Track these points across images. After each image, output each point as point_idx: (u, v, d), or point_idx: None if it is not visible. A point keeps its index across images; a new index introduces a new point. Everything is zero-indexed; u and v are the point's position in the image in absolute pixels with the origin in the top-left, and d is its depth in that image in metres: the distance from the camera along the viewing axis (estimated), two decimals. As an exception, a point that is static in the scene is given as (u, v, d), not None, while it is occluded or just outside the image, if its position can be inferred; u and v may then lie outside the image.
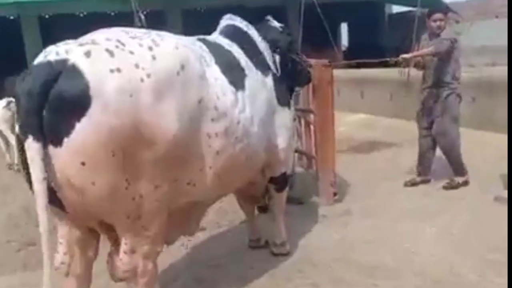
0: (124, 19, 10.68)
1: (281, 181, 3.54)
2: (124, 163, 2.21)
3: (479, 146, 5.77)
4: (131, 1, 8.16)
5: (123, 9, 10.55)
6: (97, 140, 2.11)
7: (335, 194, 4.77)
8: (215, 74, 2.70)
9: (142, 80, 2.22)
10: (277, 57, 3.48)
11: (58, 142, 2.09)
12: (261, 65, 3.25)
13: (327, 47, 12.02)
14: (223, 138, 2.66)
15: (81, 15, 15.72)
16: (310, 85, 4.62)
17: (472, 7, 13.35)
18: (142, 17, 7.60)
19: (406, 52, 5.09)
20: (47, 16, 15.06)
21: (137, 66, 2.24)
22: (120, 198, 2.26)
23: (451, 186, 4.85)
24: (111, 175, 2.19)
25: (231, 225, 4.39)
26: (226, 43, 3.10)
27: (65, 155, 2.10)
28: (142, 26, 9.10)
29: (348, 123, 8.76)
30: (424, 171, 5.10)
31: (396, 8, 18.42)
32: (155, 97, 2.25)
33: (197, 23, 14.53)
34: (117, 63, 2.19)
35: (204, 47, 2.81)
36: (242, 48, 3.17)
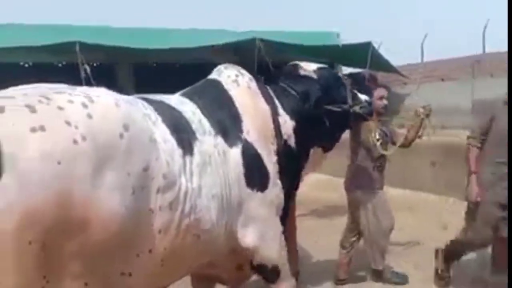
0: (71, 71, 10.28)
1: (265, 272, 2.97)
2: (43, 256, 1.67)
3: (450, 215, 5.55)
4: (77, 53, 7.79)
5: (70, 61, 10.15)
6: (8, 224, 1.60)
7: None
8: (163, 135, 2.22)
9: (75, 142, 1.76)
10: (291, 124, 2.98)
11: None
12: (229, 132, 2.67)
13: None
14: (167, 212, 2.17)
15: (26, 65, 15.09)
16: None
17: (418, 70, 13.81)
18: (88, 69, 7.23)
19: None
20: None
21: (68, 123, 1.77)
22: None
23: None
24: (24, 272, 1.65)
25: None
26: (177, 101, 2.61)
27: None
28: (88, 79, 8.81)
29: (306, 184, 8.51)
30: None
31: (346, 69, 18.87)
32: (92, 167, 1.78)
33: (149, 78, 14.25)
34: (40, 120, 1.72)
35: (146, 104, 2.34)
36: (204, 108, 2.64)
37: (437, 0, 37.89)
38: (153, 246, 2.12)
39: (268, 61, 10.91)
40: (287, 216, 3.27)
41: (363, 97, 3.68)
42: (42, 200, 1.66)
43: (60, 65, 14.85)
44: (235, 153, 2.65)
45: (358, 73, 17.09)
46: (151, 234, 2.10)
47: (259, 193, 2.75)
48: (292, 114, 3.10)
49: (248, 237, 2.74)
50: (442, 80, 12.89)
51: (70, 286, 1.79)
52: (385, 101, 4.52)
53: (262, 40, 11.54)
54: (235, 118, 2.76)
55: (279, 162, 2.91)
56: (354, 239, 4.83)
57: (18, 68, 14.28)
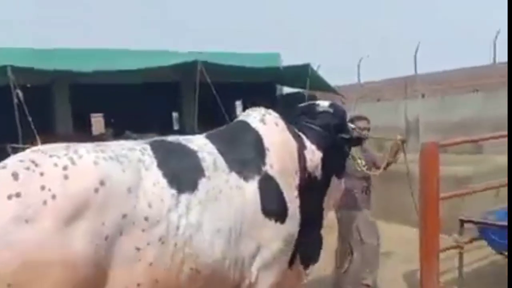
0: (5, 94, 9.83)
1: None
2: None
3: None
4: (8, 76, 7.48)
5: (1, 83, 9.71)
6: None
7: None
8: (153, 178, 2.42)
9: (45, 202, 2.03)
10: (319, 154, 3.21)
11: None
12: (247, 168, 2.79)
13: (222, 123, 11.95)
14: (157, 247, 2.34)
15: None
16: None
17: (355, 91, 14.31)
18: (21, 94, 6.97)
19: None
20: None
21: (43, 187, 2.06)
22: None
23: None
24: None
25: None
26: (197, 143, 2.76)
27: None
28: (19, 102, 8.44)
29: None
30: None
31: (287, 89, 19.28)
32: (60, 221, 2.04)
33: (86, 99, 13.84)
34: (18, 188, 2.02)
35: (148, 149, 2.51)
36: (224, 148, 2.79)
37: (372, 23, 39.62)
38: (144, 279, 2.30)
39: (210, 83, 10.96)
40: (321, 242, 3.34)
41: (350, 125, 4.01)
42: (11, 256, 1.94)
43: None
44: (252, 186, 2.76)
45: (298, 93, 17.55)
46: (141, 268, 2.28)
47: (276, 224, 2.82)
48: (319, 145, 3.29)
49: (254, 266, 2.78)
50: (378, 100, 13.41)
51: None
52: (367, 132, 4.65)
53: (204, 62, 11.60)
54: (259, 154, 2.89)
55: (302, 195, 3.01)
56: (349, 258, 4.90)
57: None
